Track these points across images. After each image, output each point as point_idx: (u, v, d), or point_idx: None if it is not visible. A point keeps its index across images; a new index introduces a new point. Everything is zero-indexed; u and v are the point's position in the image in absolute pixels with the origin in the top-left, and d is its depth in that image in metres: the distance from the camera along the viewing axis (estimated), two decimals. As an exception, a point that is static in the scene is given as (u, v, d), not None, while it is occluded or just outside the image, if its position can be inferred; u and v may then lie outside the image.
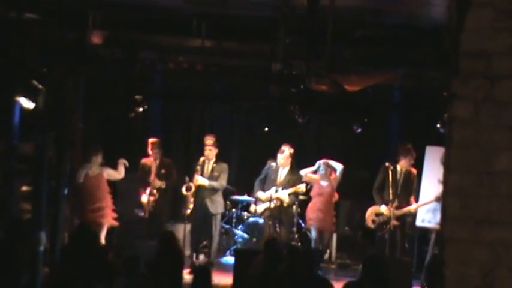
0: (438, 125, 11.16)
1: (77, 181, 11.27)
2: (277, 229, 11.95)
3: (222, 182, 11.94)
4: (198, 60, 11.21)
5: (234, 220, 13.02)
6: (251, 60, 11.42)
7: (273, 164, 12.11)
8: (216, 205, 11.90)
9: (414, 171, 11.59)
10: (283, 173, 12.09)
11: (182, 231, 11.92)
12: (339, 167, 11.96)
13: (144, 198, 11.84)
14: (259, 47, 11.19)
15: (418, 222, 11.79)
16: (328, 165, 11.93)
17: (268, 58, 10.95)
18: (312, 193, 12.02)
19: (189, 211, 11.84)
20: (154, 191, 11.83)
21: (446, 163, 3.36)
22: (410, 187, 11.53)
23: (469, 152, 3.29)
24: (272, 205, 11.91)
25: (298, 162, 12.31)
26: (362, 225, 11.61)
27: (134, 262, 7.62)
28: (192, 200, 11.81)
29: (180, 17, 10.84)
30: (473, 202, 3.30)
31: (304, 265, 7.82)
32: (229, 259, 12.31)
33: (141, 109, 11.83)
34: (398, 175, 11.47)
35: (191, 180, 11.80)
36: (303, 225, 12.45)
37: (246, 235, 12.68)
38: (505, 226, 3.27)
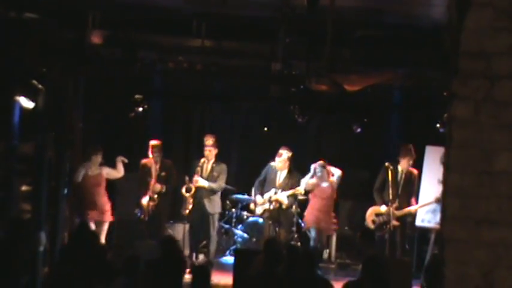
0: (438, 125, 11.17)
1: (76, 181, 11.26)
2: (277, 229, 11.95)
3: (220, 183, 11.96)
4: (198, 60, 11.20)
5: (234, 220, 13.01)
6: (251, 60, 11.42)
7: (272, 163, 12.12)
8: (214, 205, 11.92)
9: (415, 172, 11.58)
10: (281, 176, 12.09)
11: (181, 231, 11.92)
12: (337, 172, 11.94)
13: (144, 200, 11.82)
14: (259, 47, 11.18)
15: (418, 222, 11.80)
16: (324, 166, 11.91)
17: (268, 58, 10.95)
18: (311, 194, 12.01)
19: (187, 211, 11.84)
20: (155, 196, 11.82)
21: (446, 163, 3.36)
22: (411, 188, 11.53)
23: (468, 152, 3.29)
24: (271, 207, 11.92)
25: (298, 162, 12.31)
26: (362, 225, 11.60)
27: (134, 262, 7.61)
28: (191, 200, 11.81)
29: (180, 17, 10.85)
30: (473, 202, 3.30)
31: (303, 265, 7.82)
32: (229, 259, 12.31)
33: (140, 109, 11.84)
34: (398, 175, 11.46)
35: (191, 181, 11.80)
36: (302, 225, 12.45)
37: (245, 235, 12.68)
38: (505, 226, 3.27)
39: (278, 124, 12.97)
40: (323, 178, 11.88)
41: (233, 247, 12.64)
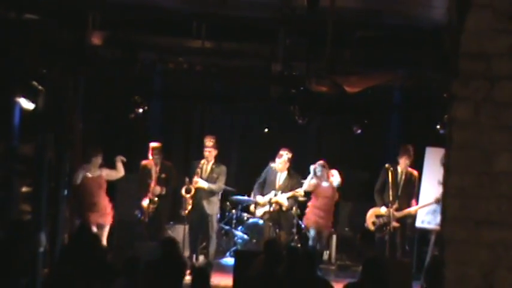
0: (438, 126, 11.17)
1: (74, 183, 11.23)
2: (277, 230, 11.95)
3: (220, 185, 11.96)
4: (198, 61, 11.22)
5: (234, 221, 13.01)
6: (251, 61, 11.43)
7: (273, 165, 12.12)
8: (213, 206, 11.92)
9: (415, 173, 11.57)
10: (281, 177, 12.10)
11: (182, 232, 11.92)
12: (336, 180, 11.93)
13: (145, 203, 11.82)
14: (259, 48, 11.19)
15: (418, 224, 11.79)
16: (324, 166, 11.92)
17: (268, 59, 10.96)
18: (312, 193, 12.01)
19: (186, 212, 11.84)
20: (155, 198, 11.81)
21: (446, 164, 3.37)
22: (411, 189, 11.52)
23: (469, 153, 3.29)
24: (271, 209, 11.92)
25: (298, 163, 12.31)
26: (362, 226, 11.60)
27: (134, 263, 7.61)
28: (190, 201, 11.81)
29: (180, 18, 10.85)
30: (473, 203, 3.30)
31: (304, 266, 7.82)
32: (229, 260, 12.30)
33: (141, 110, 11.83)
34: (398, 176, 11.46)
35: (191, 182, 11.80)
36: (303, 226, 12.44)
37: (245, 236, 12.67)
38: (505, 227, 3.27)
39: (278, 125, 12.97)
40: (323, 177, 11.88)
41: (233, 248, 12.63)
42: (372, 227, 11.44)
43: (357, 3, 9.57)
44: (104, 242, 11.02)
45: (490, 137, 3.28)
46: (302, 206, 12.35)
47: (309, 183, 11.88)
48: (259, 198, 12.16)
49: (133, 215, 11.96)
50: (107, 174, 11.45)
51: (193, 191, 11.76)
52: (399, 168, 11.46)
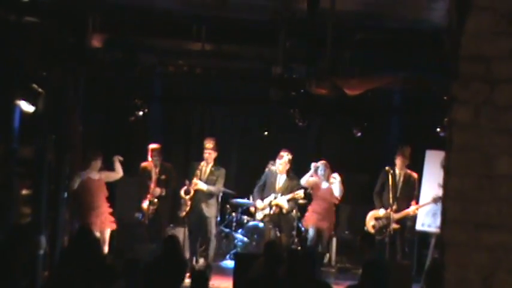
0: (438, 129, 11.16)
1: (71, 188, 11.18)
2: (278, 233, 11.95)
3: (219, 187, 11.97)
4: (198, 64, 11.22)
5: (234, 224, 13.01)
6: (251, 63, 11.43)
7: (273, 167, 12.12)
8: (211, 208, 11.91)
9: (414, 175, 11.57)
10: (281, 179, 12.09)
11: (182, 234, 11.91)
12: (337, 188, 11.91)
13: (145, 204, 11.81)
14: (259, 50, 11.20)
15: (418, 226, 11.79)
16: (327, 166, 11.92)
17: (268, 61, 10.96)
18: (313, 196, 12.02)
19: (184, 213, 11.85)
20: (155, 200, 11.81)
21: (446, 167, 3.36)
22: (410, 191, 11.51)
23: (468, 156, 3.29)
24: (271, 212, 11.91)
25: (298, 166, 12.31)
26: (362, 229, 11.60)
27: (134, 265, 7.61)
28: (189, 203, 11.81)
29: (180, 20, 10.86)
30: (473, 206, 3.29)
31: (304, 268, 7.81)
32: (229, 263, 12.30)
33: (141, 113, 11.82)
34: (396, 178, 11.46)
35: (190, 183, 11.80)
36: (303, 229, 12.44)
37: (245, 239, 12.67)
38: (505, 230, 3.27)
39: (278, 128, 12.97)
40: (324, 177, 11.87)
41: (233, 251, 12.63)
42: (371, 230, 11.44)
43: (356, 6, 9.58)
44: (106, 247, 11.01)
45: (490, 140, 3.28)
46: (302, 208, 12.35)
47: (307, 179, 11.88)
48: (259, 203, 12.14)
49: (133, 217, 11.96)
50: (106, 176, 11.43)
51: (192, 192, 11.76)
52: (397, 170, 11.46)
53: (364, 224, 11.67)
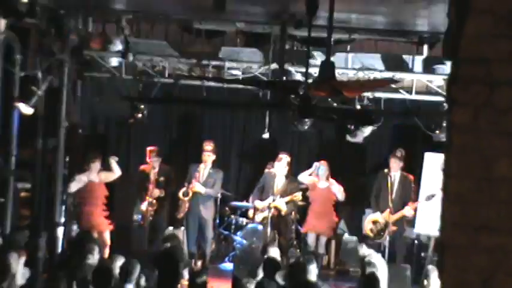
0: (437, 132, 11.16)
1: (68, 191, 11.15)
2: (276, 235, 11.94)
3: (216, 189, 11.98)
4: (198, 66, 11.23)
5: (233, 226, 13.00)
6: (250, 65, 11.42)
7: (271, 170, 12.11)
8: (209, 210, 11.93)
9: (411, 177, 11.58)
10: (280, 182, 12.08)
11: (181, 237, 11.91)
12: (339, 191, 11.91)
13: (144, 206, 11.80)
14: (258, 53, 11.21)
15: (417, 229, 11.78)
16: (327, 167, 11.92)
17: (267, 64, 10.98)
18: (310, 198, 12.01)
19: (182, 214, 11.85)
20: (154, 201, 11.80)
21: (446, 169, 3.36)
22: (406, 193, 11.51)
23: (468, 158, 3.29)
24: (270, 214, 11.90)
25: (296, 168, 12.31)
26: (360, 231, 11.60)
27: (132, 268, 7.61)
28: (187, 205, 11.82)
29: (179, 22, 10.87)
30: (472, 208, 3.29)
31: (303, 272, 7.82)
32: (228, 265, 12.29)
33: (140, 115, 11.82)
34: (393, 181, 11.46)
35: (189, 185, 11.81)
36: (302, 230, 12.43)
37: (244, 241, 12.66)
38: (504, 232, 3.26)
39: (277, 130, 12.97)
40: (323, 178, 11.85)
41: (232, 253, 12.62)
42: (370, 234, 11.43)
43: (356, 8, 9.58)
44: (106, 248, 11.00)
45: (489, 142, 3.27)
46: (301, 211, 12.34)
47: (306, 176, 11.88)
48: (258, 203, 12.14)
49: (131, 220, 11.96)
50: (106, 176, 11.38)
51: (190, 194, 11.77)
52: (392, 172, 11.46)
53: (362, 226, 11.68)
